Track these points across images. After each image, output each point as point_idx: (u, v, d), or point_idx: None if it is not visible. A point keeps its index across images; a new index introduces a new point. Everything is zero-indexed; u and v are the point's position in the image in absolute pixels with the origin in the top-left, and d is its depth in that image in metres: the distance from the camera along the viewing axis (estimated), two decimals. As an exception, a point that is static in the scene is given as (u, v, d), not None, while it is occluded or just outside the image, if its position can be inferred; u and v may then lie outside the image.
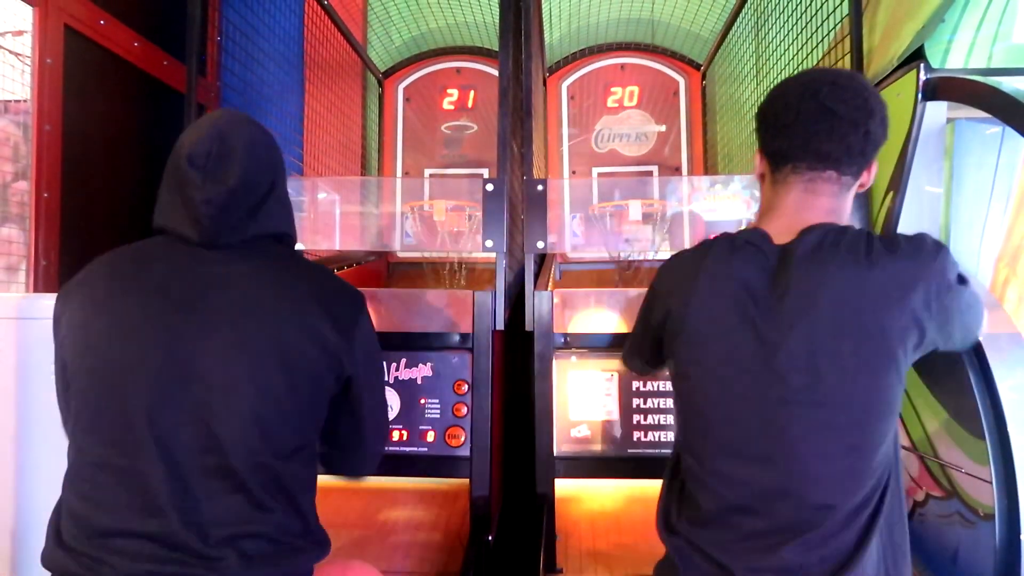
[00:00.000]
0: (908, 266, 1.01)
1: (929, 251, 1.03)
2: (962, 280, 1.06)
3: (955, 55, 1.64)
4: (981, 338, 1.37)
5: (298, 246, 1.33)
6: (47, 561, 1.01)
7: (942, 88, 1.60)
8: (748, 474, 1.04)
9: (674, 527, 1.11)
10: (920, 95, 1.61)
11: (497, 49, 1.90)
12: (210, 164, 1.05)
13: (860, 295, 1.01)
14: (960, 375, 1.39)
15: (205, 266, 1.07)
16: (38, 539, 1.47)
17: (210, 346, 1.01)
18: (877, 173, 1.75)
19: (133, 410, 0.99)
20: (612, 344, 1.78)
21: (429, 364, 1.74)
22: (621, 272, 2.39)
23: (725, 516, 1.05)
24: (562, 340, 1.78)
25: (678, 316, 1.13)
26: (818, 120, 1.05)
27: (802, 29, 2.21)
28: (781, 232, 1.11)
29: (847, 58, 1.86)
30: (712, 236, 1.18)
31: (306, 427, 1.09)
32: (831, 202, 1.10)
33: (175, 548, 0.95)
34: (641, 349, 1.32)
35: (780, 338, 1.02)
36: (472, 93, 3.69)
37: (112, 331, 1.02)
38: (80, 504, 0.99)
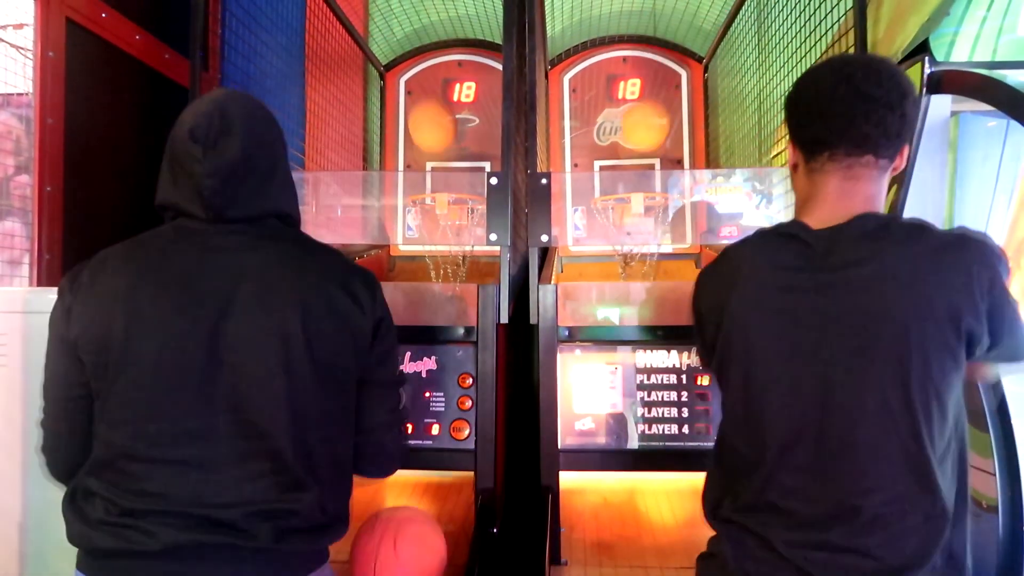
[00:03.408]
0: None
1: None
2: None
3: (960, 48, 1.64)
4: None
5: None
6: (76, 539, 1.02)
7: (947, 81, 1.60)
8: (803, 462, 1.02)
9: (724, 515, 1.10)
10: (925, 88, 1.61)
11: (499, 42, 1.89)
12: (211, 138, 1.04)
13: (919, 271, 1.01)
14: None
15: (220, 253, 1.07)
16: (45, 531, 1.50)
17: (235, 332, 1.02)
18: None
19: (164, 402, 1.00)
20: (616, 337, 1.78)
21: (433, 358, 1.74)
22: (625, 265, 2.39)
23: (775, 503, 1.03)
24: (566, 333, 1.78)
25: (726, 324, 1.11)
26: (854, 104, 1.04)
27: (805, 22, 2.20)
28: (823, 221, 1.09)
29: (851, 51, 1.85)
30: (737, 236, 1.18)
31: (336, 403, 1.10)
32: (870, 187, 1.08)
33: (214, 525, 0.98)
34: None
35: (828, 321, 1.02)
36: (474, 86, 3.67)
37: (134, 326, 1.02)
38: (110, 490, 1.00)
